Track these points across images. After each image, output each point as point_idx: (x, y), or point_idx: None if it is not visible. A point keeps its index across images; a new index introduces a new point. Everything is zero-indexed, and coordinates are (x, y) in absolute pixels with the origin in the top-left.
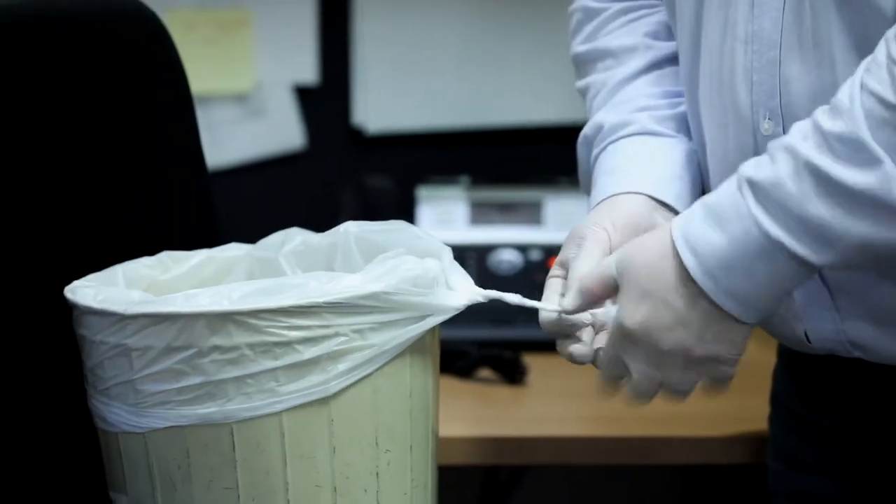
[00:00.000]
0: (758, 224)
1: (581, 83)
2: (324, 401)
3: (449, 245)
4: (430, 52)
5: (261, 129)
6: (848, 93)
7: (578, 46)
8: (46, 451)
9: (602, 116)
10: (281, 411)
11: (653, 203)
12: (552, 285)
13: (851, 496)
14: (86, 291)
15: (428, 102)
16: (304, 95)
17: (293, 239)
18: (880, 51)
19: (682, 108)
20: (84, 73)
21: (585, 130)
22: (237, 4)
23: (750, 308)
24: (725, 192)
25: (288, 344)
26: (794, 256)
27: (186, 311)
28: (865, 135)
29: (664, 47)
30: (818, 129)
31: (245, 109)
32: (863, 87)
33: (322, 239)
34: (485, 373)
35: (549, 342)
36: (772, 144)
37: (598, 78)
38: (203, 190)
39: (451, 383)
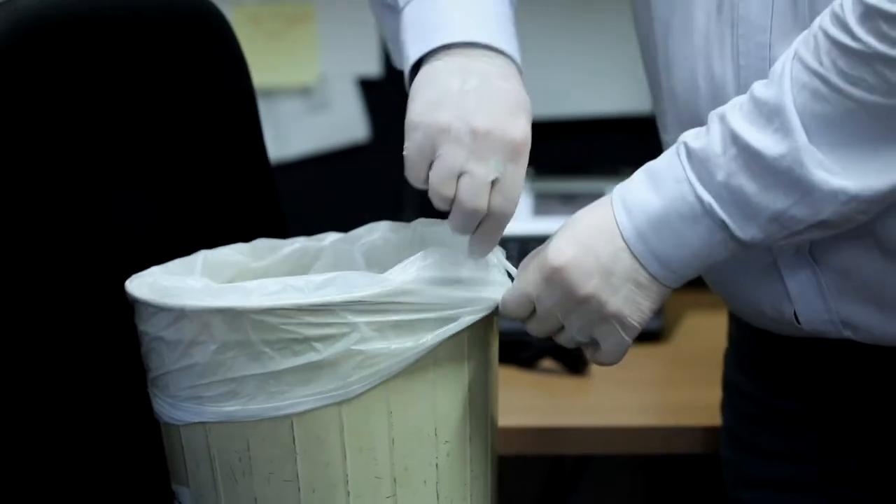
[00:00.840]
0: (693, 188)
1: None
2: (382, 393)
3: (512, 237)
4: None
5: (325, 122)
6: (782, 61)
7: None
8: (111, 443)
9: None
10: (341, 401)
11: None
12: None
13: (823, 481)
14: (141, 283)
15: None
16: (368, 87)
17: (374, 233)
18: (815, 21)
19: None
20: (148, 66)
21: None
22: None
23: (672, 272)
24: (666, 158)
25: (342, 336)
26: (722, 225)
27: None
28: (788, 100)
29: None
30: (751, 96)
31: (309, 102)
32: (795, 54)
33: (399, 235)
34: (547, 363)
35: None
36: (711, 113)
37: None
38: (267, 183)
39: (514, 374)
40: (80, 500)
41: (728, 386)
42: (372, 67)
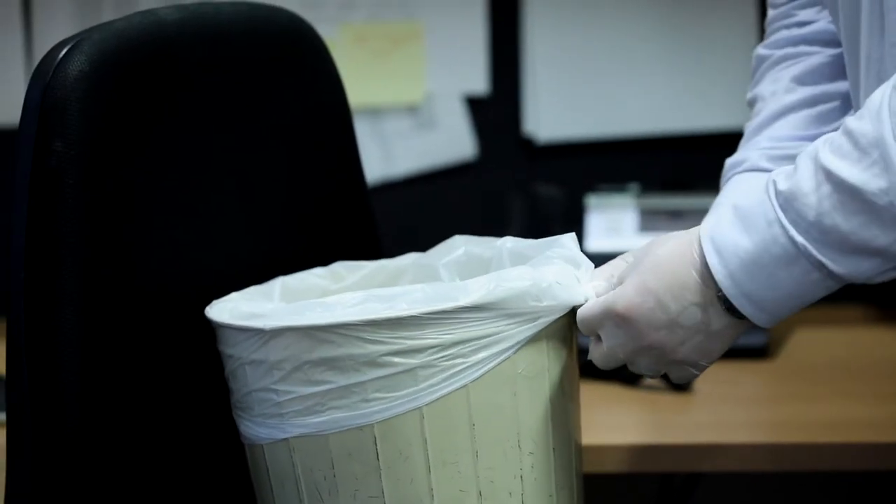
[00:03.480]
0: (785, 231)
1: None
2: (463, 403)
3: (617, 253)
4: (599, 59)
5: (432, 140)
6: (880, 92)
7: (748, 93)
8: (198, 471)
9: (730, 157)
10: (421, 407)
11: None
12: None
13: None
14: (221, 307)
15: (597, 110)
16: (475, 106)
17: (457, 249)
18: None
19: (804, 148)
20: (243, 88)
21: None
22: (408, 16)
23: (766, 313)
24: (756, 198)
25: (422, 348)
26: (818, 265)
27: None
28: (887, 132)
29: (804, 92)
30: (844, 129)
31: (417, 121)
32: (893, 86)
33: (483, 250)
34: (651, 380)
35: None
36: (801, 152)
37: (749, 123)
38: (363, 204)
39: (617, 391)
40: None
41: None
42: (479, 85)
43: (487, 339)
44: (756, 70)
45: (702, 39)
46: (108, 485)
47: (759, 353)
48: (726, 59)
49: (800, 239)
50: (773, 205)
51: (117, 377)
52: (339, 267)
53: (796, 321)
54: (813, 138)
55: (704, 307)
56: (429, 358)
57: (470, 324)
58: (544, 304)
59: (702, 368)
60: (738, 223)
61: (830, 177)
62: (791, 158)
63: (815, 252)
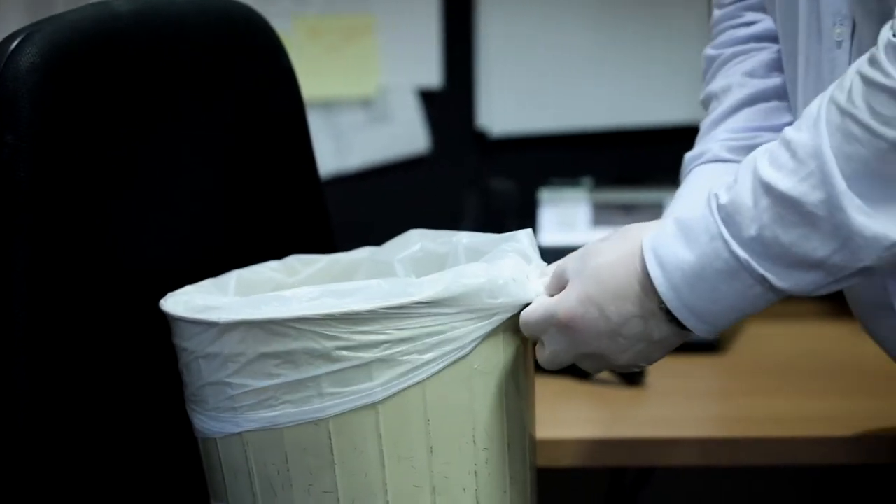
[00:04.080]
0: (727, 245)
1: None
2: (419, 398)
3: (571, 247)
4: (553, 54)
5: (386, 134)
6: (817, 104)
7: (701, 93)
8: (150, 463)
9: (689, 152)
10: (376, 403)
11: None
12: None
13: None
14: (176, 300)
15: (551, 105)
16: (429, 99)
17: (413, 244)
18: (851, 66)
19: (762, 139)
20: (195, 81)
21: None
22: (362, 9)
23: (708, 324)
24: (699, 211)
25: (378, 343)
26: (760, 279)
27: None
28: (825, 144)
29: (757, 85)
30: (783, 140)
31: (370, 114)
32: (829, 97)
33: (439, 246)
34: (604, 374)
35: None
36: (742, 163)
37: (705, 119)
38: (316, 198)
39: (569, 385)
40: None
41: None
42: (432, 79)
43: (443, 335)
44: (707, 70)
45: (655, 34)
46: (59, 478)
47: (710, 347)
48: (679, 54)
49: (742, 253)
50: (714, 218)
51: (69, 370)
52: (294, 260)
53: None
54: (771, 129)
55: (646, 319)
56: (384, 353)
57: (426, 320)
58: (499, 301)
59: (641, 367)
60: (681, 236)
61: (769, 189)
62: (750, 149)
63: (756, 266)
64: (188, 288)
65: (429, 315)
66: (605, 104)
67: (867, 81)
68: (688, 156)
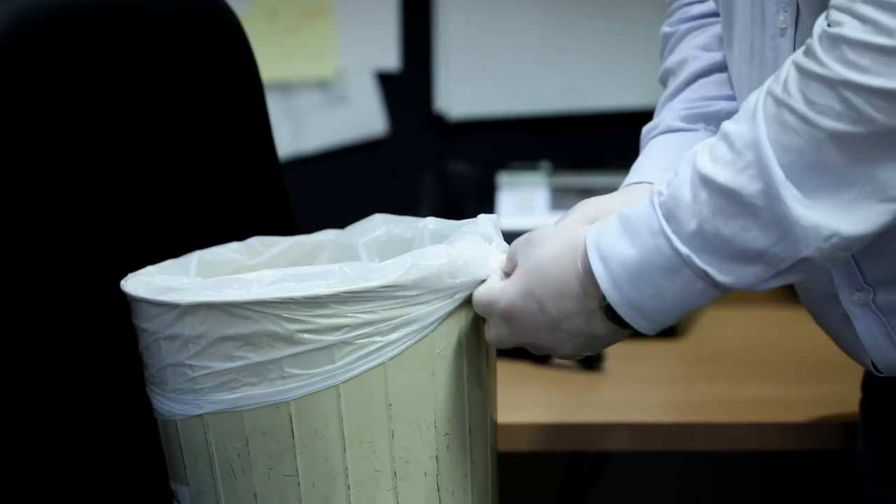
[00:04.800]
0: (668, 240)
1: None
2: (380, 382)
3: (528, 230)
4: (512, 37)
5: (343, 116)
6: (755, 97)
7: (658, 70)
8: (109, 444)
9: (646, 125)
10: (338, 385)
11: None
12: None
13: None
14: (137, 282)
15: (509, 88)
16: (386, 82)
17: (377, 228)
18: (788, 59)
19: (716, 106)
20: (153, 62)
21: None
22: None
23: (650, 321)
24: (641, 206)
25: (339, 326)
26: (702, 275)
27: (240, 299)
28: (762, 134)
29: (711, 57)
30: (722, 133)
31: (328, 96)
32: (766, 89)
33: (404, 231)
34: (562, 360)
35: None
36: (682, 159)
37: (662, 94)
38: (275, 180)
39: (528, 370)
40: (79, 500)
41: (865, 386)
42: (390, 61)
43: (405, 317)
44: (664, 48)
45: (613, 18)
46: (15, 458)
47: (668, 332)
48: (637, 38)
49: (683, 249)
50: (656, 214)
51: (27, 351)
52: (256, 242)
53: None
54: (724, 97)
55: (586, 316)
56: (346, 336)
57: (388, 302)
58: (460, 280)
59: (581, 356)
60: (624, 232)
61: (707, 182)
62: (705, 118)
63: (698, 261)
64: (149, 269)
65: (391, 298)
66: (562, 89)
67: (802, 71)
68: (645, 128)
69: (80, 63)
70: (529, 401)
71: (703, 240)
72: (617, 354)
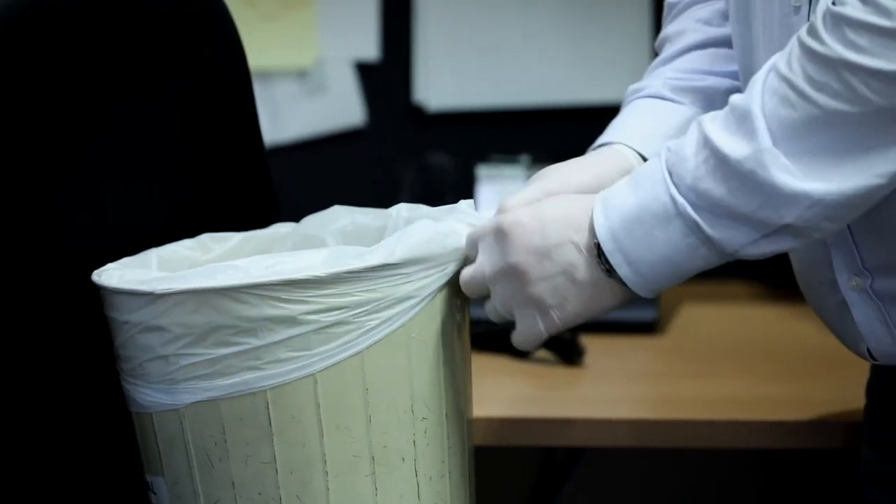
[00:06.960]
0: (667, 188)
1: None
2: (357, 368)
3: None
4: (492, 29)
5: (322, 106)
6: (763, 71)
7: (657, 39)
8: (83, 437)
9: (634, 84)
10: (314, 373)
11: (635, 156)
12: None
13: None
14: (111, 274)
15: (489, 80)
16: (366, 72)
17: (342, 218)
18: (794, 35)
19: (706, 81)
20: (141, 50)
21: None
22: None
23: (640, 276)
24: (651, 161)
25: (314, 312)
26: (694, 227)
27: (202, 287)
28: (756, 105)
29: (710, 31)
30: (730, 103)
31: (306, 86)
32: (772, 65)
33: (373, 220)
34: (542, 353)
35: (607, 323)
36: (696, 119)
37: (655, 60)
38: (261, 169)
39: (508, 364)
40: (53, 494)
41: (870, 390)
42: (370, 51)
43: (382, 301)
44: (666, 17)
45: (594, 11)
46: None
47: (648, 327)
48: (619, 32)
49: (679, 198)
50: (661, 165)
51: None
52: (207, 238)
53: (685, 296)
54: (716, 74)
55: (580, 250)
56: (323, 323)
57: (359, 283)
58: (450, 249)
59: (550, 324)
60: (631, 183)
61: (708, 143)
62: (694, 91)
63: (691, 212)
64: (111, 265)
65: (358, 282)
66: (543, 81)
67: (804, 48)
68: (631, 87)
69: (66, 50)
70: (507, 395)
71: (697, 195)
72: (597, 350)
